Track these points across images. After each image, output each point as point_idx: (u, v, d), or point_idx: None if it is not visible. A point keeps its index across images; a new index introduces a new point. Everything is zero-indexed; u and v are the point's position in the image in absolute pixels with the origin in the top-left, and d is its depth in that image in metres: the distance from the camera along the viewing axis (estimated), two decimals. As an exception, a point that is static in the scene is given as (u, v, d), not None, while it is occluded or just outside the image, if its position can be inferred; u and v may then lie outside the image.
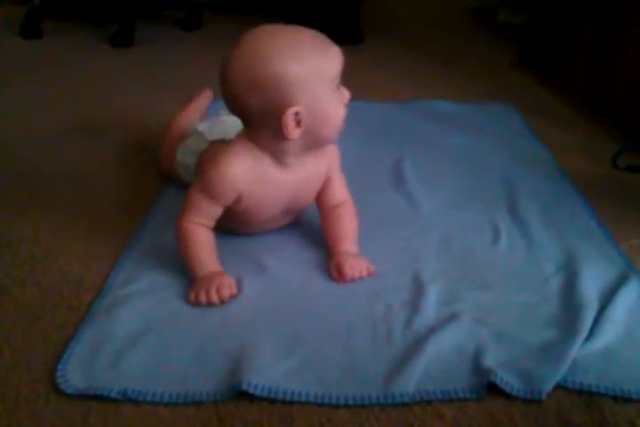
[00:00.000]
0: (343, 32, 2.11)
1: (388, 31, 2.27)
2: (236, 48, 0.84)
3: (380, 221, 1.06)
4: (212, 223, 0.92)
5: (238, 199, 0.90)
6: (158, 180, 1.19)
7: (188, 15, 2.23)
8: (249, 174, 0.89)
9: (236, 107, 0.87)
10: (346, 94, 0.90)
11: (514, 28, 2.17)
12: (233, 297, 0.87)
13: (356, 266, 0.91)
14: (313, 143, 0.90)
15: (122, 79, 1.75)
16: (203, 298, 0.86)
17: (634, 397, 0.73)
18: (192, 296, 0.87)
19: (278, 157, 0.90)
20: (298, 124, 0.84)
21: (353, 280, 0.91)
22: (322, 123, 0.86)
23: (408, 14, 2.51)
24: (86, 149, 1.33)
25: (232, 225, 0.97)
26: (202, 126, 1.11)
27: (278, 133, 0.85)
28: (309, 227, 1.03)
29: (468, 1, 2.51)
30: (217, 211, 0.91)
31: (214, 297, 0.86)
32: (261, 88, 0.82)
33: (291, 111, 0.83)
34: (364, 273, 0.92)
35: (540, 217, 1.08)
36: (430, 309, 0.85)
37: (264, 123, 0.85)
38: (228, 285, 0.88)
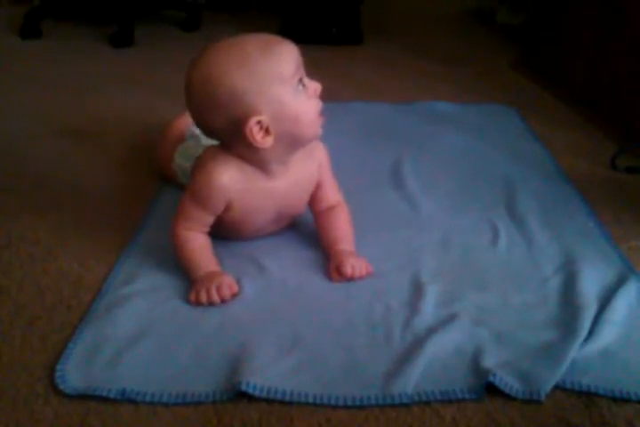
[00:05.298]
0: (343, 33, 2.12)
1: (387, 32, 2.27)
2: (187, 74, 0.85)
3: (379, 222, 1.06)
4: (205, 229, 0.93)
5: (228, 208, 0.91)
6: (157, 180, 1.18)
7: (187, 15, 2.23)
8: (237, 184, 0.89)
9: (205, 129, 0.88)
10: (313, 86, 0.87)
11: (513, 28, 2.17)
12: (234, 296, 0.88)
13: (356, 265, 0.91)
14: (294, 145, 0.89)
15: (121, 79, 1.75)
16: (203, 297, 0.86)
17: (632, 398, 0.73)
18: (192, 296, 0.87)
19: (262, 167, 0.89)
20: (267, 131, 0.84)
21: (353, 280, 0.91)
22: (294, 123, 0.85)
23: (408, 15, 2.51)
24: (86, 150, 1.33)
25: (225, 233, 0.97)
26: (198, 129, 1.10)
27: (252, 145, 0.84)
28: (308, 228, 1.03)
29: (468, 2, 2.51)
30: (208, 219, 0.92)
31: (215, 296, 0.86)
32: (218, 107, 0.83)
33: (251, 122, 0.82)
34: (364, 273, 0.92)
35: (540, 218, 1.08)
36: (429, 309, 0.86)
37: (235, 138, 0.85)
38: (229, 283, 0.88)
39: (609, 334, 0.81)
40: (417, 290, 0.89)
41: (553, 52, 1.74)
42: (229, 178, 0.88)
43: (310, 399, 0.72)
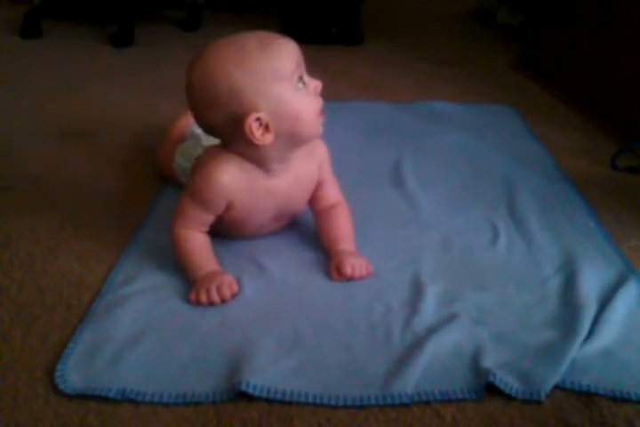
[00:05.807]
0: (343, 33, 2.12)
1: (387, 32, 2.28)
2: (187, 73, 0.85)
3: (379, 221, 1.06)
4: (205, 228, 0.93)
5: (229, 207, 0.91)
6: (158, 180, 1.19)
7: (187, 15, 2.23)
8: (238, 183, 0.89)
9: (205, 127, 0.88)
10: (313, 84, 0.87)
11: (513, 28, 2.17)
12: (234, 296, 0.87)
13: (356, 265, 0.91)
14: (294, 142, 0.89)
15: (122, 79, 1.75)
16: (203, 297, 0.86)
17: (632, 397, 0.73)
18: (192, 296, 0.87)
19: (263, 165, 0.89)
20: (266, 129, 0.84)
21: (353, 280, 0.91)
22: (294, 121, 0.85)
23: (408, 15, 2.51)
24: (85, 150, 1.33)
25: (226, 231, 0.97)
26: (198, 129, 1.10)
27: (251, 143, 0.85)
28: (308, 228, 1.03)
29: (468, 2, 2.51)
30: (208, 218, 0.92)
31: (215, 296, 0.86)
32: (218, 105, 0.83)
33: (250, 119, 0.82)
34: (364, 272, 0.92)
35: (540, 218, 1.08)
36: (429, 309, 0.85)
37: (235, 136, 0.85)
38: (229, 283, 0.88)
39: (609, 334, 0.81)
40: (417, 290, 0.89)
41: (553, 52, 1.74)
42: (230, 177, 0.88)
43: (310, 399, 0.72)
